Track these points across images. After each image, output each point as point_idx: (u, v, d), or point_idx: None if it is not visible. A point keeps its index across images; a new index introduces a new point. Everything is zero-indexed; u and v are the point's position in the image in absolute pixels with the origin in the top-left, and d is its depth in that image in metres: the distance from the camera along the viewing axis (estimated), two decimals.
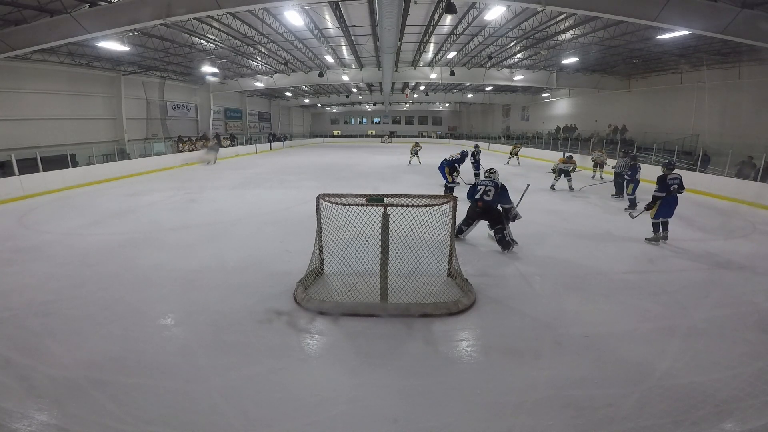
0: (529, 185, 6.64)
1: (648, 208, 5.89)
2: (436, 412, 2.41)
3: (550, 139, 23.32)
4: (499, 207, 5.49)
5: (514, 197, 5.68)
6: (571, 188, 10.52)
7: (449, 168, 9.56)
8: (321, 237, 4.08)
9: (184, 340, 3.25)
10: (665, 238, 5.88)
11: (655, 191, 5.80)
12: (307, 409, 2.45)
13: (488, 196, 5.42)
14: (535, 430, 2.29)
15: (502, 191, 5.46)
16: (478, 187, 5.54)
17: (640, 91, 20.16)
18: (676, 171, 5.96)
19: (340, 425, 2.33)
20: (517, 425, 2.33)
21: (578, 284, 4.40)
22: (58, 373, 2.75)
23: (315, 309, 3.67)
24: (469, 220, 5.76)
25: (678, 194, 5.86)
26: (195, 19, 11.24)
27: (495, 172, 5.79)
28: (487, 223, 5.74)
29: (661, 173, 5.89)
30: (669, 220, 5.90)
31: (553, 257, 5.29)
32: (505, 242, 5.40)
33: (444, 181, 9.69)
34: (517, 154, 18.95)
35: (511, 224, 5.63)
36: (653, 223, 5.92)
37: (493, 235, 5.61)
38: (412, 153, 17.88)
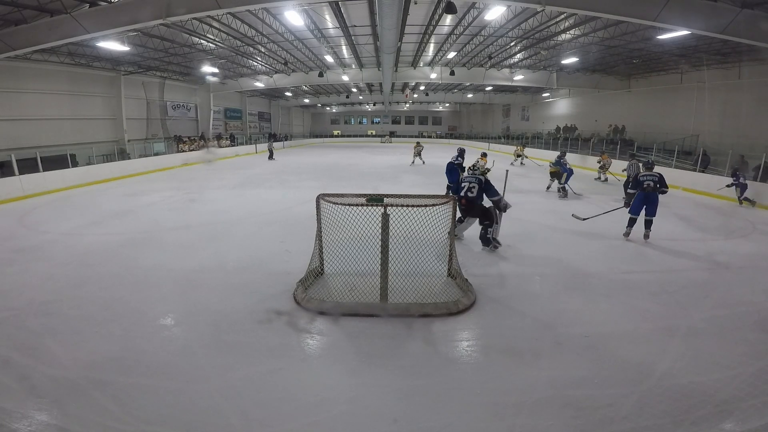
0: (507, 171, 6.46)
1: (626, 204, 6.13)
2: (436, 412, 2.41)
3: (551, 139, 23.33)
4: (485, 204, 5.46)
5: (497, 187, 5.59)
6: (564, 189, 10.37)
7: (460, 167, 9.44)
8: (321, 237, 4.08)
9: (184, 340, 3.25)
10: (646, 236, 5.97)
11: (628, 189, 6.17)
12: (307, 409, 2.45)
13: (472, 192, 5.39)
14: (535, 430, 2.29)
15: (486, 185, 5.44)
16: (463, 185, 5.52)
17: (640, 91, 20.15)
18: (656, 170, 6.05)
19: (340, 425, 2.33)
20: (517, 425, 2.33)
21: (578, 284, 4.40)
22: (58, 373, 2.75)
23: (315, 309, 3.67)
24: (461, 218, 5.72)
25: (661, 193, 5.90)
26: (195, 19, 11.24)
27: (479, 168, 5.78)
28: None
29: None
30: (652, 219, 5.95)
31: (552, 257, 5.29)
32: (486, 239, 5.41)
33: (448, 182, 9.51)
34: (520, 155, 18.88)
35: (504, 214, 5.59)
36: (629, 218, 6.08)
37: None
38: (414, 153, 17.90)
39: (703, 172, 11.29)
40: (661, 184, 5.86)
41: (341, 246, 4.15)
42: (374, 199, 3.68)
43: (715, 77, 15.36)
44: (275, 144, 24.81)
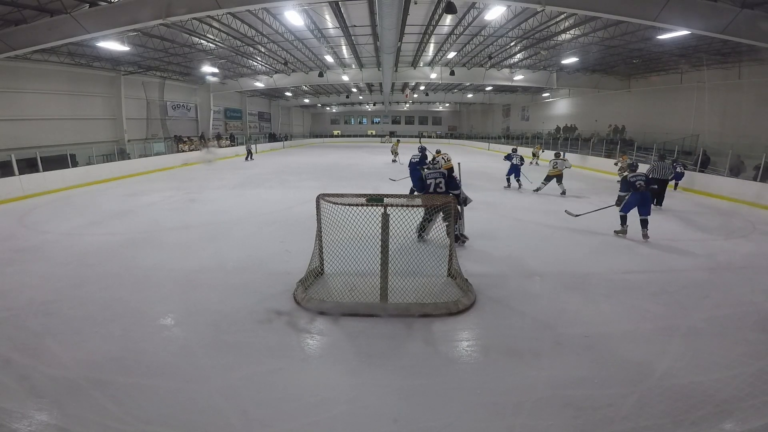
0: (459, 163, 6.45)
1: (617, 204, 6.27)
2: (436, 412, 2.41)
3: (551, 139, 23.34)
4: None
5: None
6: (563, 193, 10.21)
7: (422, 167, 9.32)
8: (321, 237, 4.08)
9: (184, 340, 3.25)
10: (645, 236, 6.00)
11: (618, 191, 6.33)
12: (307, 409, 2.45)
13: (441, 187, 5.33)
14: (535, 430, 2.29)
15: (449, 179, 5.38)
16: (428, 181, 5.42)
17: (640, 91, 20.15)
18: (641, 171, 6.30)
19: (340, 425, 2.33)
20: (517, 425, 2.33)
21: (578, 284, 4.40)
22: (58, 373, 2.75)
23: (315, 309, 3.67)
24: (429, 216, 5.65)
25: (651, 191, 6.09)
26: (195, 19, 11.24)
27: (437, 161, 5.78)
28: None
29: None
30: (648, 218, 6.02)
31: (552, 257, 5.29)
32: (455, 236, 5.34)
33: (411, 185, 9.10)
34: (536, 155, 18.63)
35: (465, 208, 5.57)
36: (620, 216, 6.19)
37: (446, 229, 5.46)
38: (393, 152, 17.91)
39: (703, 172, 11.28)
40: (649, 183, 6.09)
41: (341, 246, 4.14)
42: (374, 199, 3.69)
43: (715, 77, 15.36)
44: (275, 144, 24.90)
